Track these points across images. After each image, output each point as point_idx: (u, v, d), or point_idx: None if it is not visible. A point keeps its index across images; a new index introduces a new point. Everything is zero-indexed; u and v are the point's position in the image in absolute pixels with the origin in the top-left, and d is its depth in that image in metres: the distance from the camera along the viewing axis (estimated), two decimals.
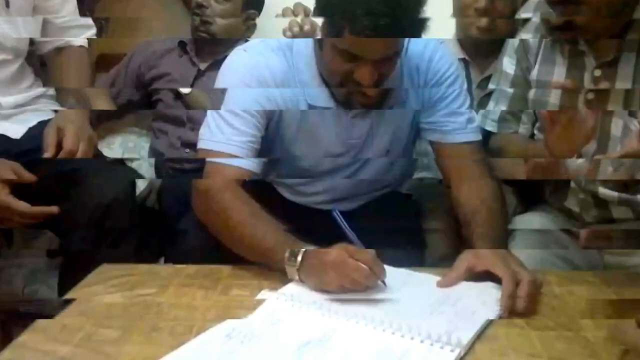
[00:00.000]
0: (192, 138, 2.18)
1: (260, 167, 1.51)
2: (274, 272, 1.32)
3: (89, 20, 1.95)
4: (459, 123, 1.57)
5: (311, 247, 1.28)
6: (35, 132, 1.77)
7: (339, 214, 1.44)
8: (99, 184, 1.65)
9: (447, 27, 2.02)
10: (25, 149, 1.73)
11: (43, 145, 1.62)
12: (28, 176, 1.58)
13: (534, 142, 1.62)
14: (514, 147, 1.64)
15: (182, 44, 2.34)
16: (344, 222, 1.40)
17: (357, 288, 1.22)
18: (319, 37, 1.49)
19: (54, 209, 1.57)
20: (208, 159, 1.49)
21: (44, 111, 1.88)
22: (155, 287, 1.30)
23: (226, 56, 1.95)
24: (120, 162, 2.02)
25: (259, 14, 2.31)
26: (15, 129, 1.79)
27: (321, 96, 1.53)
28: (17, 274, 1.93)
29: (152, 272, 1.39)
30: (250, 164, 1.48)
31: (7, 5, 1.75)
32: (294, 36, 1.89)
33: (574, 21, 1.46)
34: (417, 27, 1.38)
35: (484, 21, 1.87)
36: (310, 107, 1.54)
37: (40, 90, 1.92)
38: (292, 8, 1.98)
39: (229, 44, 2.18)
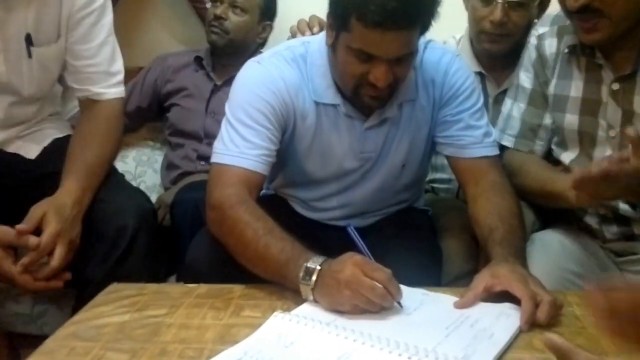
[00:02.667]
0: (208, 152, 2.17)
1: (268, 169, 1.50)
2: (287, 292, 1.29)
3: (118, 64, 1.80)
4: (475, 137, 1.56)
5: (327, 260, 1.25)
6: (51, 151, 1.76)
7: (353, 229, 1.42)
8: (119, 212, 1.62)
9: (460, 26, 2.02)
10: (40, 170, 1.71)
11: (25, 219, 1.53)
12: (32, 241, 1.51)
13: (552, 175, 1.57)
14: (532, 177, 1.60)
15: (198, 59, 2.36)
16: (359, 238, 1.39)
17: (371, 309, 1.19)
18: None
19: (59, 284, 1.55)
20: (213, 161, 1.49)
21: (57, 128, 1.86)
22: (165, 307, 1.28)
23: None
24: None
25: (273, 25, 2.36)
26: (30, 148, 1.76)
27: (327, 93, 1.52)
28: (26, 293, 1.91)
29: (162, 292, 1.37)
30: (257, 166, 1.46)
31: (30, 55, 1.68)
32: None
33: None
34: (426, 15, 1.37)
35: (499, 34, 1.85)
36: (317, 104, 1.53)
37: (53, 109, 1.90)
38: (307, 20, 1.95)
39: (245, 58, 2.13)
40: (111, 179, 1.74)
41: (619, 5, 1.38)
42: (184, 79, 2.35)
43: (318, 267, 1.23)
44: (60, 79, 1.82)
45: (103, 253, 1.58)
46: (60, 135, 1.83)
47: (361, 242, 1.37)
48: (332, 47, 1.46)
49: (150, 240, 1.63)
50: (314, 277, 1.23)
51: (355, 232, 1.40)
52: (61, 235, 1.53)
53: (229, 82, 2.18)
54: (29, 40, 1.66)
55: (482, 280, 1.25)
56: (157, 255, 1.67)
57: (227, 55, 2.30)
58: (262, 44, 2.37)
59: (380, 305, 1.19)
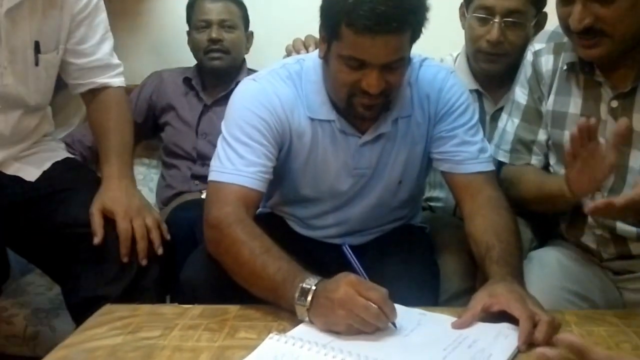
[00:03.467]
0: (201, 171, 2.20)
1: (265, 185, 1.49)
2: (283, 313, 1.28)
3: (116, 59, 1.90)
4: (470, 153, 1.56)
5: (322, 281, 1.24)
6: (51, 175, 1.77)
7: (348, 249, 1.42)
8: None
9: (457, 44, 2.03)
10: (39, 192, 1.71)
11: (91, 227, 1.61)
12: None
13: (549, 176, 1.59)
14: (529, 182, 1.61)
15: (187, 80, 2.39)
16: (354, 258, 1.38)
17: (365, 329, 1.18)
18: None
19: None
20: (210, 179, 1.49)
21: (55, 151, 1.87)
22: (159, 329, 1.26)
23: (232, 90, 1.95)
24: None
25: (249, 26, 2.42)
26: (30, 171, 1.76)
27: (322, 109, 1.53)
28: (19, 314, 1.91)
29: (156, 313, 1.35)
30: (254, 183, 1.46)
31: (37, 63, 1.72)
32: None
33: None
34: (415, 20, 1.38)
35: (495, 53, 1.86)
36: (312, 120, 1.54)
37: (49, 127, 1.91)
38: (302, 39, 1.96)
39: (234, 78, 2.32)
40: None
41: (621, 26, 1.38)
42: (176, 98, 2.37)
43: (313, 288, 1.22)
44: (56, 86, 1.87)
45: (115, 272, 1.59)
46: (60, 159, 1.84)
47: (356, 261, 1.36)
48: (325, 59, 1.47)
49: (162, 260, 1.66)
50: (309, 298, 1.22)
51: (350, 252, 1.39)
52: (131, 215, 1.63)
53: (218, 102, 2.33)
54: (37, 48, 1.71)
55: (480, 300, 1.24)
56: (168, 277, 1.68)
57: (222, 74, 2.34)
58: (247, 50, 2.44)
59: (374, 326, 1.18)
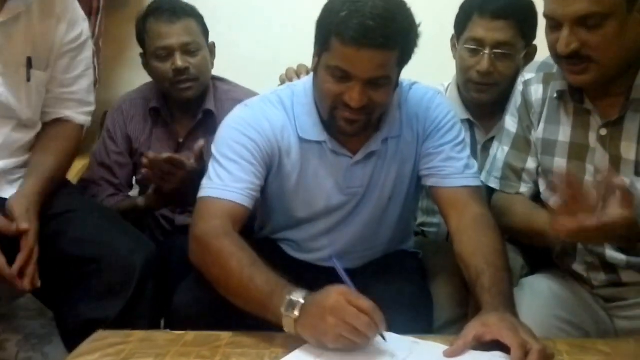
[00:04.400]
0: (186, 221, 2.07)
1: (253, 203, 1.52)
2: (275, 340, 1.29)
3: (92, 97, 1.91)
4: (456, 168, 1.60)
5: (311, 294, 1.26)
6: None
7: (336, 261, 1.45)
8: (127, 253, 1.64)
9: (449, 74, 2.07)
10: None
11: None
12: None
13: (537, 212, 1.60)
14: (518, 215, 1.63)
15: (154, 111, 2.14)
16: (342, 271, 1.41)
17: (355, 338, 1.19)
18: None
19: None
20: (199, 196, 1.52)
21: None
22: (151, 356, 1.26)
23: (202, 119, 2.02)
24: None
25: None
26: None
27: (313, 130, 1.57)
28: (11, 340, 1.90)
29: (149, 340, 1.35)
30: (241, 199, 1.49)
31: (29, 79, 1.75)
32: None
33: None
34: (403, 40, 1.43)
35: (486, 83, 1.90)
36: (303, 141, 1.57)
37: None
38: (294, 68, 1.99)
39: (202, 103, 2.10)
40: (116, 221, 1.79)
41: (608, 53, 1.41)
42: (142, 136, 2.14)
43: (302, 300, 1.24)
44: None
45: (112, 294, 1.59)
46: None
47: (344, 273, 1.40)
48: (315, 71, 1.52)
49: (157, 283, 1.66)
50: (297, 310, 1.23)
51: (338, 264, 1.43)
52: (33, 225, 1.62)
53: (193, 135, 2.10)
54: (29, 64, 1.74)
55: (473, 329, 1.25)
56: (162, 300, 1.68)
57: (192, 103, 2.10)
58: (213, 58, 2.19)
59: (364, 336, 1.19)
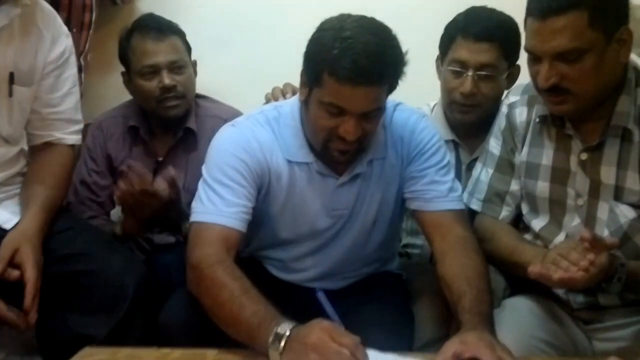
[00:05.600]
0: (164, 240, 2.15)
1: (245, 226, 1.57)
2: (259, 358, 1.34)
3: (80, 115, 1.95)
4: (440, 192, 1.65)
5: (297, 326, 1.31)
6: None
7: (323, 295, 1.50)
8: (118, 272, 1.70)
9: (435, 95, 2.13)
10: None
11: None
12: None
13: (522, 246, 1.67)
14: (502, 245, 1.69)
15: (133, 130, 2.17)
16: (329, 304, 1.46)
17: None
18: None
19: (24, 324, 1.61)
20: (192, 220, 1.57)
21: None
22: None
23: (181, 138, 2.06)
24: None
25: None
26: (5, 217, 1.79)
27: (300, 152, 1.63)
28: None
29: (135, 357, 1.41)
30: (235, 223, 1.54)
31: (10, 94, 1.78)
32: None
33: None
34: (394, 74, 1.50)
35: (469, 104, 1.96)
36: (290, 163, 1.63)
37: (22, 166, 1.94)
38: (280, 87, 2.06)
39: (184, 121, 2.15)
40: (105, 240, 1.84)
41: (586, 85, 1.50)
42: (121, 153, 2.17)
43: (287, 333, 1.30)
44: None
45: (103, 311, 1.65)
46: None
47: (331, 307, 1.45)
48: (305, 103, 1.58)
49: (149, 301, 1.71)
50: (282, 343, 1.29)
51: (325, 298, 1.47)
52: (38, 264, 1.65)
53: (172, 154, 2.15)
54: (11, 79, 1.77)
55: (452, 346, 1.31)
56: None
57: (177, 121, 2.14)
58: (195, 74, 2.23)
59: None
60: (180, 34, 2.15)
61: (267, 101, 2.04)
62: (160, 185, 1.85)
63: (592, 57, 1.46)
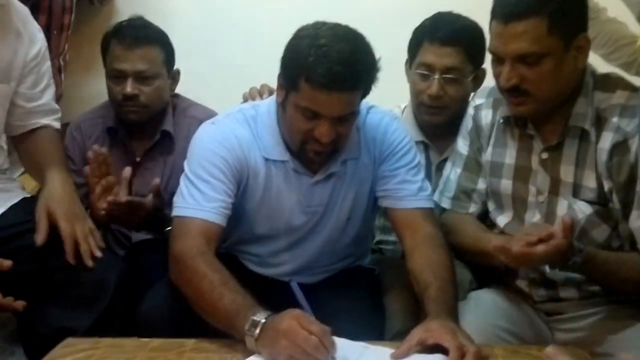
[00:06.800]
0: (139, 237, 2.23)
1: (225, 220, 1.66)
2: (237, 346, 1.44)
3: (56, 105, 2.07)
4: (410, 190, 1.76)
5: (272, 315, 1.41)
6: (8, 218, 1.88)
7: (296, 285, 1.59)
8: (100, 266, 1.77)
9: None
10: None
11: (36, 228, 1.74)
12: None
13: (485, 234, 1.77)
14: (466, 236, 1.80)
15: (111, 131, 2.23)
16: (300, 293, 1.55)
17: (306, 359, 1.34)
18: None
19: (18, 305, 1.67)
20: (173, 214, 1.66)
21: (12, 192, 1.99)
22: None
23: (159, 140, 2.13)
24: None
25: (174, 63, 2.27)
26: None
27: (276, 150, 1.72)
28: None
29: (117, 346, 1.49)
30: (215, 217, 1.63)
31: None
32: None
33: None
34: (367, 79, 1.60)
35: (436, 106, 2.06)
36: (267, 160, 1.73)
37: (2, 161, 2.03)
38: (258, 88, 2.14)
39: (159, 124, 2.21)
40: None
41: (544, 88, 1.61)
42: None
43: (263, 320, 1.39)
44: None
45: (85, 306, 1.73)
46: (16, 200, 1.96)
47: (302, 297, 1.54)
48: (282, 105, 1.67)
49: (128, 295, 1.79)
50: (257, 330, 1.39)
51: (298, 288, 1.57)
52: (72, 219, 1.77)
53: (150, 154, 2.23)
54: None
55: (417, 334, 1.41)
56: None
57: (142, 125, 2.20)
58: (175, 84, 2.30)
59: (314, 358, 1.33)
60: (162, 44, 2.19)
61: (245, 100, 2.12)
62: (127, 172, 1.94)
63: (550, 61, 1.57)
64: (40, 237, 1.73)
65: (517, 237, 1.54)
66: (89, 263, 1.73)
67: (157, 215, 1.99)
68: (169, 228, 1.89)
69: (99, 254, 1.77)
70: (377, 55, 1.63)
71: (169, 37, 2.23)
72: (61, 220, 1.75)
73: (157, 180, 1.97)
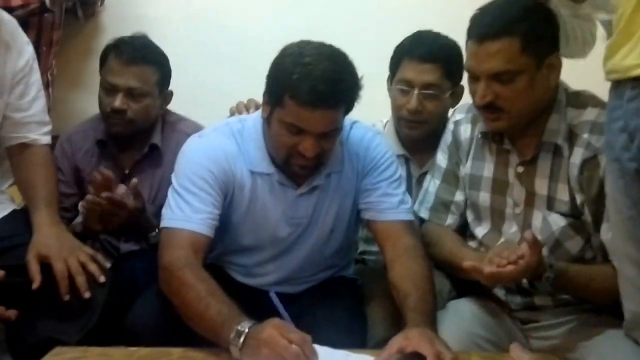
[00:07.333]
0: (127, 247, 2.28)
1: (212, 231, 1.72)
2: (222, 354, 1.48)
3: (47, 117, 2.09)
4: (391, 203, 1.82)
5: (255, 324, 1.46)
6: None
7: (274, 295, 1.65)
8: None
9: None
10: None
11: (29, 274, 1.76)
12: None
13: (463, 250, 1.84)
14: (445, 249, 1.87)
15: (101, 144, 2.28)
16: (280, 304, 1.61)
17: None
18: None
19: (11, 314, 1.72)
20: (162, 226, 1.71)
21: (1, 204, 2.04)
22: None
23: (147, 153, 2.17)
24: None
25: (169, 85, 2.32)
26: None
27: (262, 163, 1.77)
28: None
29: (104, 355, 1.53)
30: (202, 228, 1.69)
31: None
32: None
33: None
34: (350, 97, 1.66)
35: (416, 120, 2.12)
36: (252, 173, 1.78)
37: None
38: (244, 102, 2.19)
39: (147, 139, 2.26)
40: None
41: (518, 104, 1.68)
42: (89, 165, 2.27)
43: (246, 330, 1.45)
44: None
45: (74, 319, 1.77)
46: (5, 213, 2.01)
47: (282, 307, 1.60)
48: (267, 120, 1.73)
49: (116, 306, 1.82)
50: (241, 339, 1.44)
51: (277, 298, 1.63)
52: (64, 255, 1.79)
53: (138, 168, 2.27)
54: None
55: (397, 341, 1.47)
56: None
57: (128, 137, 2.25)
58: (166, 104, 2.35)
59: None
60: (158, 65, 2.24)
61: (231, 114, 2.17)
62: (120, 190, 1.98)
63: (523, 79, 1.65)
64: (35, 284, 1.75)
65: (487, 258, 1.61)
66: (86, 295, 1.76)
67: (139, 219, 2.04)
68: (154, 234, 1.99)
69: (102, 279, 1.80)
70: (359, 74, 1.69)
71: (168, 60, 2.29)
72: (53, 260, 1.77)
73: (134, 180, 2.02)
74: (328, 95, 1.60)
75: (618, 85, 1.42)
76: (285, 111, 1.64)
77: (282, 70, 1.64)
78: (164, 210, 1.75)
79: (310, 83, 1.58)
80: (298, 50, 1.65)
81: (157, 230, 2.04)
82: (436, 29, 2.17)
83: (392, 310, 1.86)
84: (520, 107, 1.69)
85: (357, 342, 1.70)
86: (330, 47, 1.68)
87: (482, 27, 1.66)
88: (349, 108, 1.70)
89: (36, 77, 2.05)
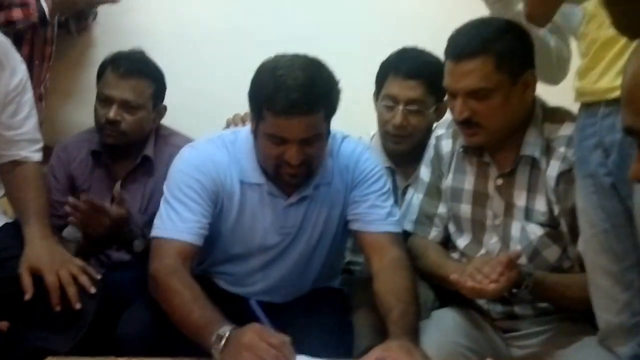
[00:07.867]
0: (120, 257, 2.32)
1: (201, 240, 1.77)
2: None
3: (39, 134, 2.11)
4: (379, 215, 1.86)
5: (236, 328, 1.51)
6: None
7: (255, 303, 1.72)
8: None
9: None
10: None
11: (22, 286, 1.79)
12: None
13: (447, 262, 1.89)
14: (430, 262, 1.91)
15: (95, 154, 2.34)
16: (260, 311, 1.68)
17: None
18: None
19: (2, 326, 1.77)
20: (152, 235, 1.77)
21: None
22: None
23: (139, 164, 2.23)
24: None
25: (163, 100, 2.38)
26: None
27: (254, 174, 1.83)
28: None
29: None
30: (190, 237, 1.74)
31: None
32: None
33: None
34: (326, 102, 1.71)
35: (401, 135, 2.18)
36: (243, 183, 1.83)
37: None
38: (241, 115, 2.23)
39: (140, 150, 2.32)
40: None
41: (494, 120, 1.74)
42: (82, 177, 2.34)
43: (227, 334, 1.50)
44: None
45: (64, 329, 1.80)
46: None
47: (262, 314, 1.66)
48: (254, 134, 1.79)
49: (106, 316, 1.85)
50: (222, 343, 1.49)
51: (257, 306, 1.69)
52: (56, 267, 1.82)
53: (131, 178, 2.33)
54: None
55: (376, 352, 1.52)
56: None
57: (122, 148, 2.30)
58: (159, 118, 2.40)
59: None
60: (153, 80, 2.31)
61: (228, 125, 2.23)
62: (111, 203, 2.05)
63: (498, 96, 1.71)
64: (27, 295, 1.78)
65: (468, 272, 1.67)
66: (77, 306, 1.79)
67: (122, 227, 2.09)
68: (137, 242, 2.06)
69: (93, 290, 1.83)
70: (337, 79, 1.74)
71: (163, 75, 2.36)
72: (45, 272, 1.81)
73: (117, 186, 2.10)
74: (302, 102, 1.65)
75: (590, 105, 1.48)
76: (266, 123, 1.70)
77: (258, 84, 1.71)
78: (155, 220, 1.81)
79: (283, 93, 1.64)
80: (273, 63, 1.72)
81: (142, 238, 2.11)
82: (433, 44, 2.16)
83: (377, 320, 1.88)
84: (496, 123, 1.74)
85: (343, 353, 1.75)
86: (305, 57, 1.74)
87: (458, 47, 1.73)
88: (329, 113, 1.74)
89: (29, 95, 2.08)
